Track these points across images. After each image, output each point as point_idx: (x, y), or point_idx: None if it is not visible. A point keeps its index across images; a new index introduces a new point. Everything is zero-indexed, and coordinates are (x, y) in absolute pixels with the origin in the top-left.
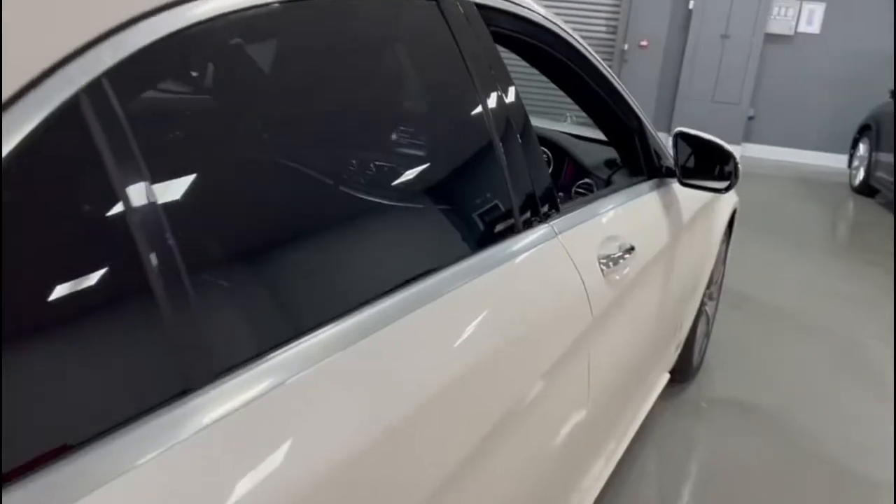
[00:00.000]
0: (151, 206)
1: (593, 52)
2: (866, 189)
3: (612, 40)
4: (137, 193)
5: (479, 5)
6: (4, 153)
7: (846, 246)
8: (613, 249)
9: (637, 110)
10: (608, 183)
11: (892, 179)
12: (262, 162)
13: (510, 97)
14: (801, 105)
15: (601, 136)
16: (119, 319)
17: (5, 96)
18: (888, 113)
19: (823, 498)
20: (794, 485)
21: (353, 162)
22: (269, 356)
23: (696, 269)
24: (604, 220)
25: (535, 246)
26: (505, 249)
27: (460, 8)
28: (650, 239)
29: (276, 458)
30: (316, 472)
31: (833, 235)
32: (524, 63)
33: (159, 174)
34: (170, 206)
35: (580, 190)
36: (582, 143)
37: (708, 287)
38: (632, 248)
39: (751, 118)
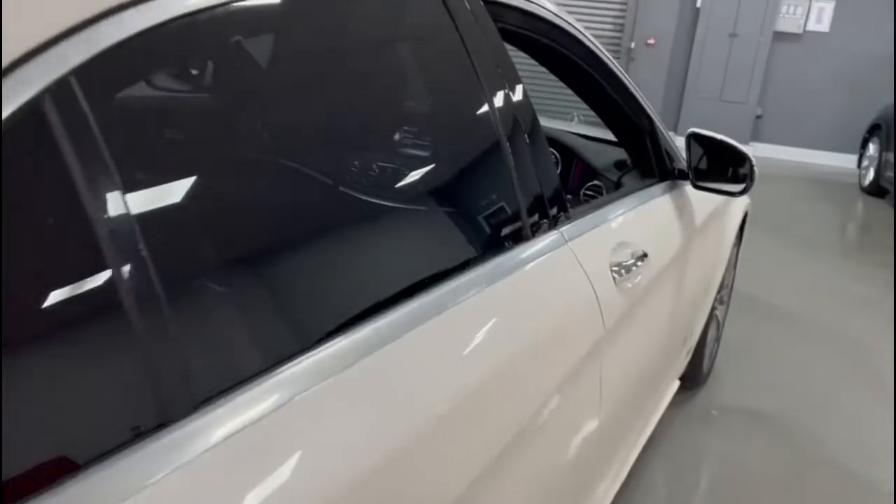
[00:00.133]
0: (127, 217)
1: (604, 50)
2: (876, 189)
3: (619, 38)
4: (114, 204)
5: (486, 1)
6: None
7: (856, 247)
8: (626, 256)
9: (649, 110)
10: (618, 185)
11: None
12: (258, 166)
13: (518, 97)
14: (810, 104)
15: (610, 137)
16: (121, 336)
17: None
18: None
19: None
20: (806, 496)
21: (352, 167)
22: (275, 372)
23: (708, 273)
24: (615, 225)
25: (545, 254)
26: (513, 258)
27: (466, 4)
28: (663, 244)
29: (283, 477)
30: (324, 492)
31: (842, 237)
32: (528, 60)
33: (136, 184)
34: (151, 217)
35: (589, 192)
36: (591, 143)
37: (719, 291)
38: (645, 255)
39: (759, 117)
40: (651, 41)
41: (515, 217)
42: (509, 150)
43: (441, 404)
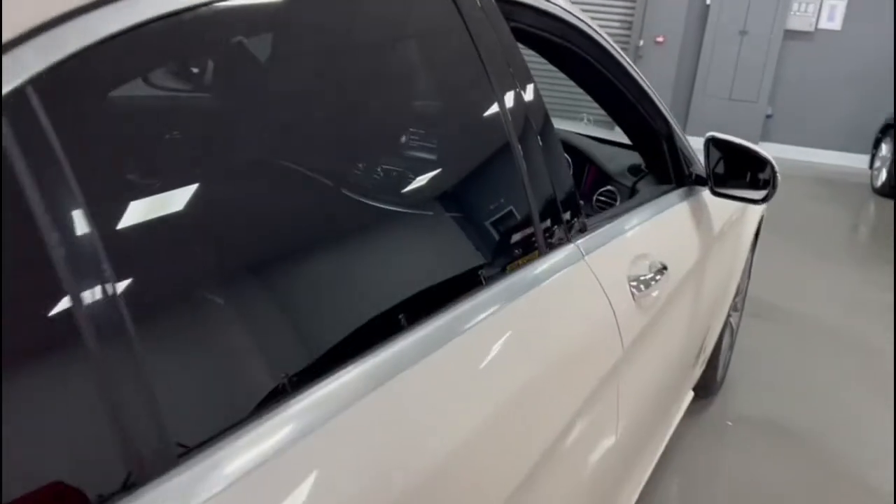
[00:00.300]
0: (90, 237)
1: (619, 50)
2: (889, 190)
3: (628, 36)
4: (73, 222)
5: None
6: None
7: (869, 250)
8: (644, 270)
9: (665, 112)
10: (633, 191)
11: None
12: (245, 181)
13: (531, 100)
14: (821, 103)
15: (621, 139)
16: (127, 366)
17: None
18: None
19: None
20: None
21: (354, 176)
22: (282, 407)
23: (725, 282)
24: (632, 236)
25: (561, 269)
26: (528, 275)
27: (477, 1)
28: (682, 255)
29: None
30: None
31: (855, 239)
32: (535, 59)
33: (99, 200)
34: (117, 238)
35: (602, 198)
36: (603, 147)
37: (733, 298)
38: (664, 269)
39: (769, 117)
40: (660, 39)
41: (530, 232)
42: (523, 160)
43: (459, 437)
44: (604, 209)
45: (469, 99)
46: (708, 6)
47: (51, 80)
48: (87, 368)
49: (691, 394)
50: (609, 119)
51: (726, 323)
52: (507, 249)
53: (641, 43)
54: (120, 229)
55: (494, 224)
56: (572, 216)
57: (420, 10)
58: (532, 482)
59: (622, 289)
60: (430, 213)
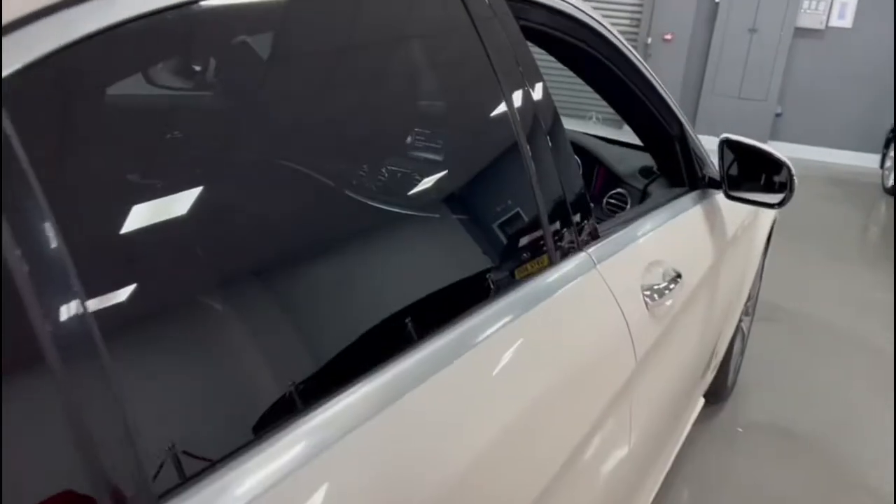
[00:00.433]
0: (58, 250)
1: (631, 49)
2: None
3: (636, 34)
4: (46, 233)
5: None
6: None
7: (880, 251)
8: (658, 278)
9: (678, 113)
10: (643, 194)
11: None
12: (234, 190)
13: (541, 101)
14: (832, 102)
15: (631, 139)
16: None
17: None
18: None
19: None
20: None
21: (357, 185)
22: (291, 426)
23: (737, 287)
24: (645, 242)
25: (573, 280)
26: (539, 286)
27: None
28: (696, 262)
29: None
30: None
31: (866, 240)
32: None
33: (82, 209)
34: (91, 254)
35: (612, 201)
36: (613, 147)
37: (745, 303)
38: (678, 277)
39: (778, 115)
40: (668, 36)
41: (540, 239)
42: (533, 165)
43: (474, 454)
44: (614, 212)
45: (476, 99)
46: (717, 3)
47: (26, 80)
48: (94, 385)
49: (702, 400)
50: (617, 117)
51: (737, 328)
52: (516, 258)
53: (649, 40)
54: (94, 236)
55: (503, 231)
56: (584, 222)
57: (428, 8)
58: (546, 498)
59: (635, 299)
60: (441, 220)
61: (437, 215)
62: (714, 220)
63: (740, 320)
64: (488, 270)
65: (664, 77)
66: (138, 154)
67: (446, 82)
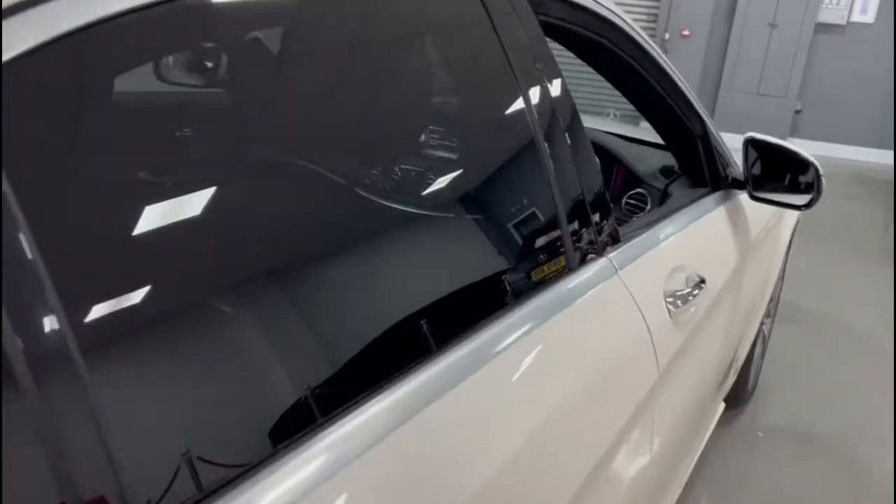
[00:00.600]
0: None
1: (653, 45)
2: None
3: (653, 29)
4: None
5: None
6: None
7: None
8: (681, 284)
9: (700, 111)
10: (664, 194)
11: None
12: (247, 193)
13: (560, 98)
14: (853, 99)
15: (649, 136)
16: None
17: None
18: None
19: None
20: None
21: (368, 184)
22: (305, 443)
23: (760, 290)
24: (668, 246)
25: (594, 287)
26: (559, 293)
27: None
28: (719, 266)
29: None
30: None
31: (888, 239)
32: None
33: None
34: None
35: (632, 202)
36: (632, 146)
37: (766, 305)
38: (702, 282)
39: (798, 112)
40: (686, 32)
41: (559, 243)
42: (552, 166)
43: (496, 467)
44: (634, 213)
45: (493, 96)
46: None
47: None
48: (110, 399)
49: (723, 405)
50: (635, 114)
51: (759, 331)
52: (534, 263)
53: (667, 36)
54: (94, 236)
55: (522, 235)
56: (605, 228)
57: (444, 4)
58: None
59: (658, 305)
60: (457, 221)
61: (452, 216)
62: (738, 223)
63: (762, 323)
64: (508, 275)
65: (682, 73)
66: (137, 154)
67: (463, 79)
